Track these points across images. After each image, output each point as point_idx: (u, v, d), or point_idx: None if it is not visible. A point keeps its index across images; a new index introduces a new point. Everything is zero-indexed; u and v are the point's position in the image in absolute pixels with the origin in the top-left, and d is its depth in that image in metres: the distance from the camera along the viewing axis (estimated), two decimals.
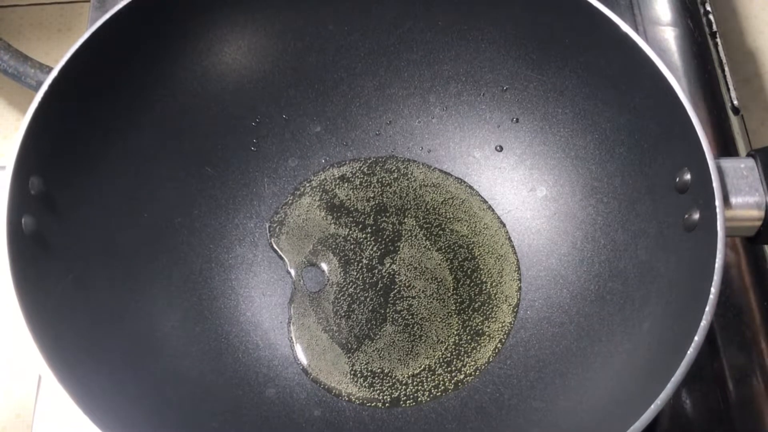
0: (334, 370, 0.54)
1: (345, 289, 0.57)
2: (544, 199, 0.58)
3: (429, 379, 0.53)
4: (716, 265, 0.42)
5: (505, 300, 0.56)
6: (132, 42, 0.51)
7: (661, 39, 0.69)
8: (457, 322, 0.55)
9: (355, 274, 0.57)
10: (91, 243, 0.49)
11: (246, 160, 0.59)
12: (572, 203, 0.57)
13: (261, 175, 0.60)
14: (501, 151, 0.60)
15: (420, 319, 0.55)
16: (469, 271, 0.57)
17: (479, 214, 0.59)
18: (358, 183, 0.60)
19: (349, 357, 0.54)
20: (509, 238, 0.58)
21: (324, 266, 0.57)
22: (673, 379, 0.40)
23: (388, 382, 0.53)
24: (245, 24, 0.57)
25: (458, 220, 0.59)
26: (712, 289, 0.41)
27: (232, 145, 0.59)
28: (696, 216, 0.45)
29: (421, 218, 0.59)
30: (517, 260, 0.57)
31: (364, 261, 0.57)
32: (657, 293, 0.48)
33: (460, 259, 0.57)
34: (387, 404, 0.53)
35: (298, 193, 0.60)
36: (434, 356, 0.54)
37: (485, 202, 0.60)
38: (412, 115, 0.61)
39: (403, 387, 0.53)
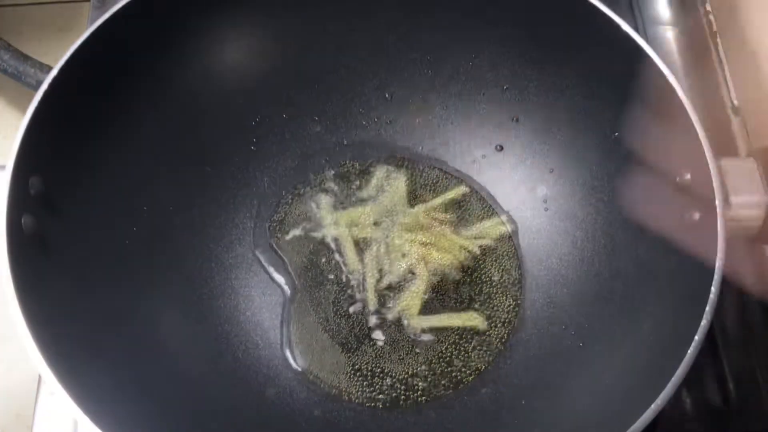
0: (334, 369, 0.54)
1: (345, 288, 0.57)
2: (544, 198, 0.58)
3: (429, 379, 0.53)
4: (716, 265, 0.42)
5: (506, 300, 0.56)
6: (132, 41, 0.51)
7: (662, 38, 0.69)
8: (457, 322, 0.55)
9: (355, 273, 0.57)
10: (91, 243, 0.49)
11: (246, 159, 0.59)
12: (572, 203, 0.57)
13: (261, 174, 0.60)
14: (501, 150, 0.60)
15: (409, 315, 0.55)
16: (469, 270, 0.57)
17: (479, 213, 0.59)
18: (358, 183, 0.60)
19: (349, 357, 0.54)
20: (509, 237, 0.58)
21: (324, 265, 0.57)
22: (673, 379, 0.40)
23: (388, 382, 0.53)
24: (245, 24, 0.57)
25: (458, 220, 0.59)
26: (712, 289, 0.41)
27: (232, 145, 0.59)
28: (696, 216, 0.45)
29: (422, 218, 0.59)
30: (518, 260, 0.57)
31: (365, 261, 0.57)
32: (657, 293, 0.48)
33: (460, 259, 0.57)
34: (387, 404, 0.53)
35: (298, 192, 0.60)
36: (434, 356, 0.54)
37: (486, 201, 0.60)
38: (412, 114, 0.61)
39: (403, 387, 0.53)
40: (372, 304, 0.56)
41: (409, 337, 0.55)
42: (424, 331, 0.55)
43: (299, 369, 0.54)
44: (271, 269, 0.57)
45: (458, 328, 0.55)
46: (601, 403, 0.47)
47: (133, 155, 0.53)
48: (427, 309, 0.56)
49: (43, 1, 0.83)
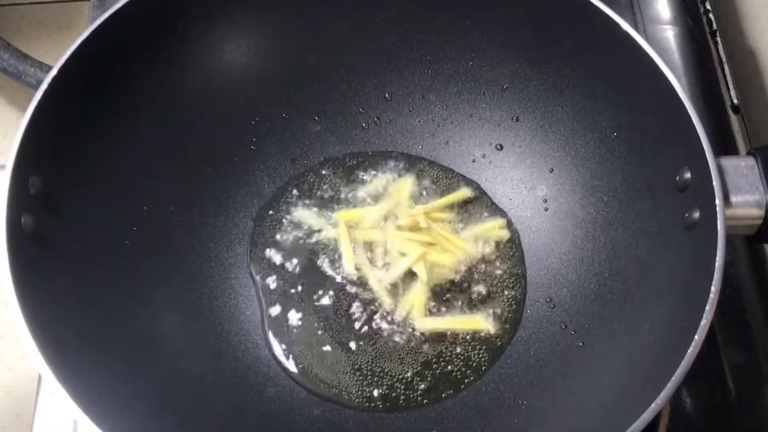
0: (334, 369, 0.54)
1: (345, 288, 0.56)
2: (544, 198, 0.58)
3: (429, 379, 0.53)
4: (716, 264, 0.42)
5: (505, 299, 0.56)
6: (132, 41, 0.51)
7: (661, 38, 0.69)
8: (462, 326, 0.55)
9: (354, 274, 0.57)
10: (91, 242, 0.49)
11: (246, 159, 0.59)
12: (572, 202, 0.57)
13: (261, 174, 0.60)
14: (501, 149, 0.60)
15: (414, 316, 0.55)
16: (469, 270, 0.57)
17: (479, 213, 0.59)
18: (357, 183, 0.60)
19: (348, 356, 0.54)
20: (509, 237, 0.58)
21: (324, 265, 0.57)
22: (673, 378, 0.40)
23: (388, 381, 0.53)
24: (245, 23, 0.57)
25: (458, 220, 0.59)
26: (712, 288, 0.41)
27: (232, 144, 0.59)
28: (696, 215, 0.45)
29: (421, 218, 0.59)
30: (517, 259, 0.57)
31: (364, 261, 0.57)
32: (657, 292, 0.48)
33: (460, 259, 0.57)
34: (387, 404, 0.53)
35: (298, 192, 0.60)
36: (434, 356, 0.54)
37: (485, 201, 0.59)
38: (412, 114, 0.61)
39: (403, 386, 0.53)
40: (372, 304, 0.56)
41: (409, 336, 0.55)
42: (425, 332, 0.55)
43: (299, 368, 0.54)
44: (271, 268, 0.57)
45: (458, 327, 0.55)
46: (601, 402, 0.47)
47: (133, 155, 0.53)
48: (428, 310, 0.56)
49: (43, 1, 0.83)
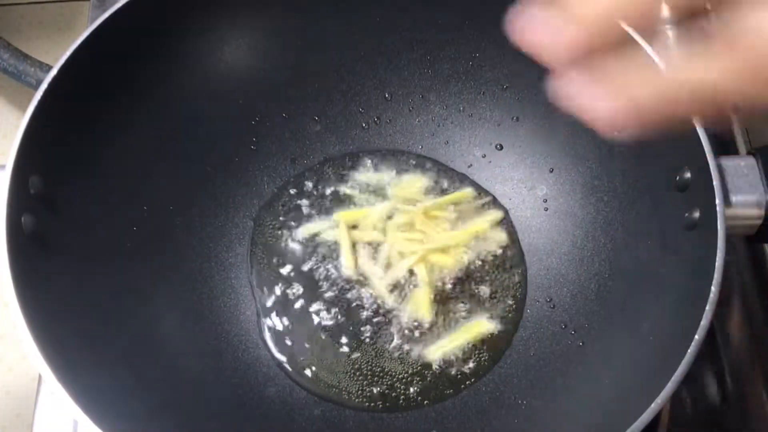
0: (334, 368, 0.54)
1: (345, 288, 0.56)
2: (544, 198, 0.58)
3: (429, 379, 0.53)
4: (716, 264, 0.42)
5: (506, 300, 0.56)
6: (132, 41, 0.51)
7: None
8: (469, 336, 0.55)
9: (354, 274, 0.57)
10: (91, 242, 0.49)
11: (246, 159, 0.59)
12: (572, 202, 0.57)
13: (261, 174, 0.60)
14: (501, 149, 0.60)
15: (420, 318, 0.55)
16: (469, 270, 0.57)
17: (479, 213, 0.59)
18: (357, 183, 0.60)
19: (348, 356, 0.54)
20: (509, 237, 0.58)
21: (324, 265, 0.57)
22: (673, 378, 0.40)
23: (388, 381, 0.53)
24: (245, 23, 0.57)
25: (458, 220, 0.59)
26: (713, 288, 0.41)
27: (232, 144, 0.59)
28: (696, 215, 0.45)
29: (421, 218, 0.59)
30: (517, 259, 0.57)
31: (365, 261, 0.57)
32: (657, 292, 0.48)
33: (460, 259, 0.57)
34: (387, 404, 0.53)
35: (298, 192, 0.60)
36: (434, 356, 0.54)
37: (485, 201, 0.59)
38: (412, 113, 0.61)
39: (403, 386, 0.53)
40: (372, 304, 0.56)
41: (409, 336, 0.55)
42: (424, 333, 0.55)
43: (299, 368, 0.54)
44: (271, 268, 0.57)
45: (458, 327, 0.55)
46: (601, 402, 0.47)
47: (133, 155, 0.53)
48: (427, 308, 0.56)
49: (43, 1, 0.83)
